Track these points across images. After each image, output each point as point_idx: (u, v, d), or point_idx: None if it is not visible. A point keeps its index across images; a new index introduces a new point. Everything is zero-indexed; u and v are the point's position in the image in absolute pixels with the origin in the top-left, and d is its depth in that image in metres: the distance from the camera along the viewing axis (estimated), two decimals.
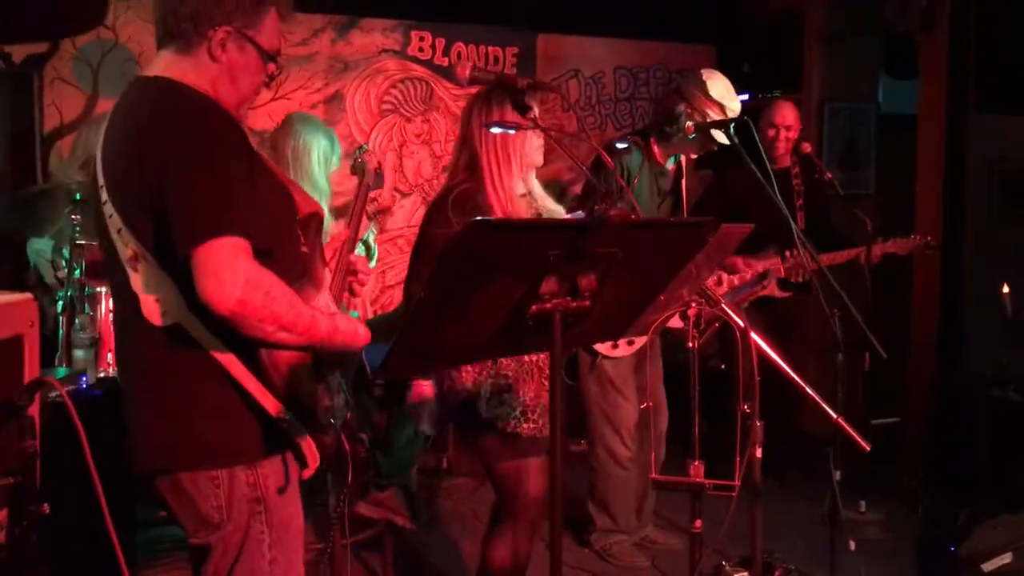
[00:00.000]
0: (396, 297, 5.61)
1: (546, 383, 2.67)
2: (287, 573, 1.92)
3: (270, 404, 1.80)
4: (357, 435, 3.92)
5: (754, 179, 2.98)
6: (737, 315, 2.26)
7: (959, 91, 5.10)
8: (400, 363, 1.68)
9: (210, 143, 1.74)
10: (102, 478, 1.77)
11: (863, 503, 4.25)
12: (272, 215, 1.86)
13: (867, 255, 4.10)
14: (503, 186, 2.76)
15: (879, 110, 6.22)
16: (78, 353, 3.09)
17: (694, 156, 3.89)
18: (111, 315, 2.92)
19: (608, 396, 3.89)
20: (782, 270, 4.13)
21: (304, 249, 1.94)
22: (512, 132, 2.69)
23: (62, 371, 2.98)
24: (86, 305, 3.13)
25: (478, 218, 1.46)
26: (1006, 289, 4.39)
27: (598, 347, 3.81)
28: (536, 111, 2.36)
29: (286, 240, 1.90)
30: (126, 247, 1.80)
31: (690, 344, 2.37)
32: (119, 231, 1.81)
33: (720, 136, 3.53)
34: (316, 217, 1.99)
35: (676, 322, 2.47)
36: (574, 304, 1.64)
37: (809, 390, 2.24)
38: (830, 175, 4.15)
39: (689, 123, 3.59)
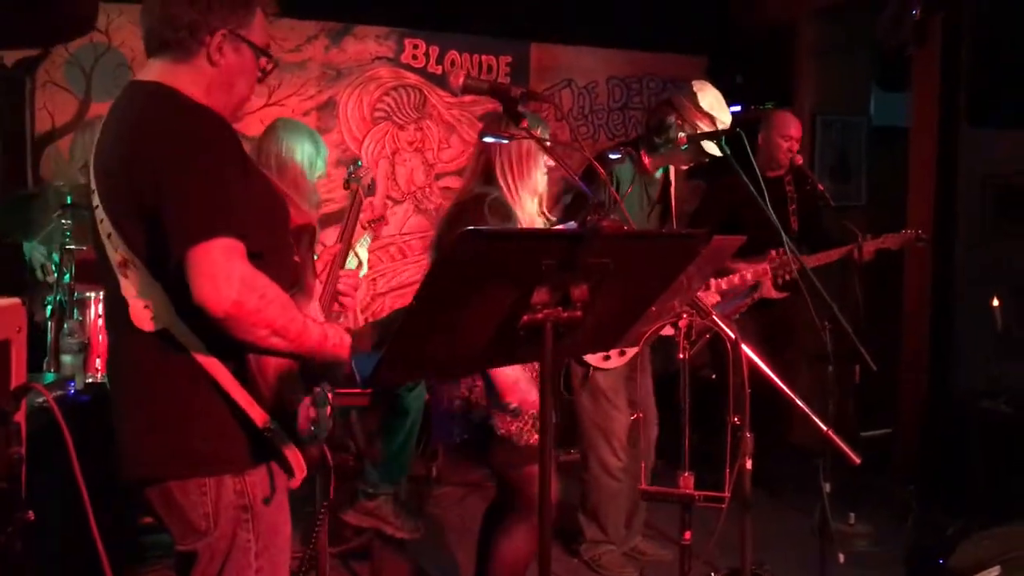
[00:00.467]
0: (387, 305, 5.60)
1: None
2: None
3: (256, 414, 1.80)
4: (344, 444, 3.91)
5: (749, 189, 2.99)
6: (728, 326, 2.26)
7: (951, 104, 5.11)
8: (391, 372, 1.67)
9: (204, 147, 1.74)
10: (89, 485, 1.75)
11: (852, 515, 4.25)
12: (265, 220, 1.85)
13: (859, 250, 4.12)
14: (523, 207, 2.81)
15: (871, 122, 6.24)
16: (66, 358, 3.08)
17: (684, 168, 3.89)
18: (104, 320, 2.91)
19: (600, 407, 3.88)
20: (770, 275, 4.12)
21: (296, 259, 1.93)
22: (505, 142, 2.70)
23: (50, 376, 2.97)
24: (75, 310, 3.11)
25: (470, 227, 1.46)
26: (996, 302, 4.41)
27: (589, 359, 3.80)
28: (540, 131, 2.36)
29: (279, 246, 1.90)
30: (116, 252, 1.80)
31: (680, 355, 2.37)
32: (109, 236, 1.81)
33: (712, 148, 3.53)
34: (309, 229, 1.99)
35: (669, 331, 2.47)
36: (565, 314, 1.63)
37: (799, 402, 2.25)
38: (822, 187, 4.17)
39: (681, 134, 3.58)
